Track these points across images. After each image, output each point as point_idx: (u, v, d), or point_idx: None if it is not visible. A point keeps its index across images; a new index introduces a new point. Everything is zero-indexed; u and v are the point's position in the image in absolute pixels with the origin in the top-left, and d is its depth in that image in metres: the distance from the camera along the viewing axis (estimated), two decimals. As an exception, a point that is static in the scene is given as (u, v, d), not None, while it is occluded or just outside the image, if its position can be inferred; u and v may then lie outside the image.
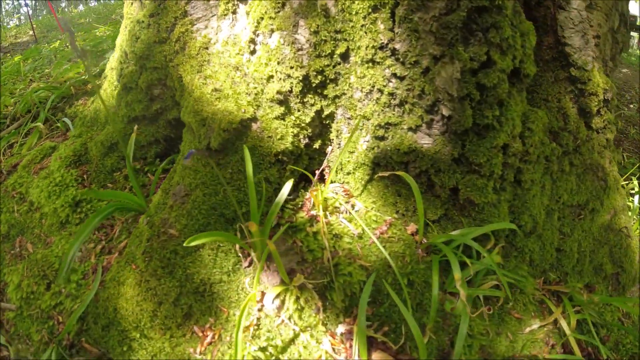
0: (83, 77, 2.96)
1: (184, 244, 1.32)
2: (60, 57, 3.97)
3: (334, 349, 1.48)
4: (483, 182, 1.59)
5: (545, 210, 1.85)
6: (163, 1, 1.82)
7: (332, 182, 1.80)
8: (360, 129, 1.70)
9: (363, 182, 1.74)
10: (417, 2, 1.46)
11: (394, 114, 1.62)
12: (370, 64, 1.59)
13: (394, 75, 1.57)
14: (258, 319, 1.49)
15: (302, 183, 1.78)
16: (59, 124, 2.53)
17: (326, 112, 1.72)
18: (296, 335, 1.48)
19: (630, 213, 2.65)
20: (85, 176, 1.94)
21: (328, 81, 1.69)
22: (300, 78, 1.63)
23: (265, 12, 1.65)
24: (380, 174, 1.67)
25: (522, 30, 1.53)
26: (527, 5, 1.78)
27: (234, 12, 1.74)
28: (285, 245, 1.58)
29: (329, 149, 1.79)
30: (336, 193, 1.75)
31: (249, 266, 1.56)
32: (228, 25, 1.75)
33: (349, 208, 1.67)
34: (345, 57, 1.66)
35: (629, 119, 4.50)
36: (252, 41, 1.69)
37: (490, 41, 1.47)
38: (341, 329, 1.49)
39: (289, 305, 1.49)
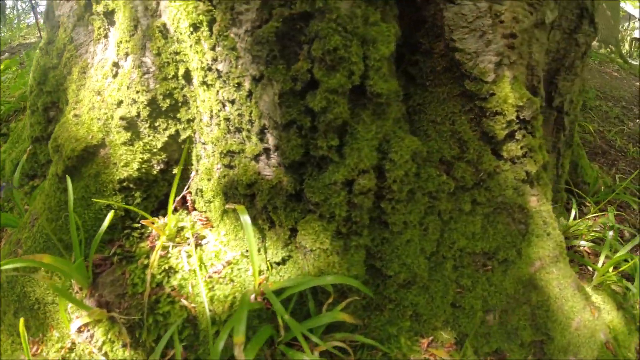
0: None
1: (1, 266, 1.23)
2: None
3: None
4: (321, 225, 1.24)
5: (433, 258, 1.41)
6: (57, 29, 1.76)
7: (195, 209, 1.57)
8: (213, 155, 1.45)
9: (220, 212, 1.49)
10: (231, 15, 1.17)
11: (235, 141, 1.35)
12: (205, 87, 1.33)
13: (227, 99, 1.29)
14: (73, 343, 1.35)
15: (163, 210, 1.59)
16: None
17: (183, 136, 1.50)
18: None
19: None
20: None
21: (180, 104, 1.47)
22: (146, 102, 1.44)
23: (123, 35, 1.49)
24: (227, 206, 1.40)
25: (364, 37, 1.15)
26: (413, 3, 1.35)
27: (106, 36, 1.60)
28: (113, 276, 1.40)
29: (193, 174, 1.56)
30: (193, 222, 1.52)
31: (79, 291, 1.42)
32: (101, 50, 1.62)
33: (191, 242, 1.43)
34: (188, 79, 1.42)
35: (631, 135, 3.42)
36: (116, 65, 1.54)
37: (312, 56, 1.12)
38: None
39: (98, 337, 1.32)
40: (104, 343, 1.36)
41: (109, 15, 1.53)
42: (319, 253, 1.26)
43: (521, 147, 1.37)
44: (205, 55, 1.27)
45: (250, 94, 1.23)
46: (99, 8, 1.53)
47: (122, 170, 1.46)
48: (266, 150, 1.29)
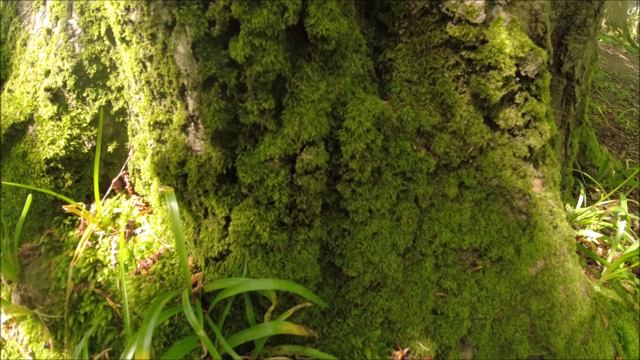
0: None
1: None
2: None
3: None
4: (257, 214, 0.84)
5: (409, 255, 0.98)
6: (6, 2, 1.41)
7: (134, 193, 1.20)
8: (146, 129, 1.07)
9: (158, 196, 1.11)
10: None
11: (161, 110, 0.96)
12: (125, 45, 0.94)
13: (145, 56, 0.90)
14: (3, 339, 1.02)
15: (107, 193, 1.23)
16: None
17: (116, 107, 1.13)
18: None
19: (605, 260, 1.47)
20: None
21: (108, 70, 1.09)
22: (72, 70, 1.07)
23: (51, -6, 1.12)
24: (159, 189, 1.02)
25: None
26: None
27: (44, 3, 1.23)
28: (39, 269, 1.06)
29: (130, 152, 1.19)
30: (131, 208, 1.15)
31: (8, 284, 1.09)
32: (40, 18, 1.26)
33: (121, 232, 1.06)
34: (111, 38, 1.03)
35: None
36: (49, 32, 1.17)
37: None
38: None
39: (24, 335, 0.99)
40: (29, 341, 1.03)
41: (39, -27, 1.16)
42: (256, 249, 0.86)
43: (523, 115, 0.91)
44: (120, 6, 0.88)
45: (165, 46, 0.83)
46: (27, -35, 1.16)
47: (48, 148, 1.11)
48: (193, 119, 0.89)
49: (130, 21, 0.87)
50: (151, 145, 1.05)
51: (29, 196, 1.03)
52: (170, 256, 1.03)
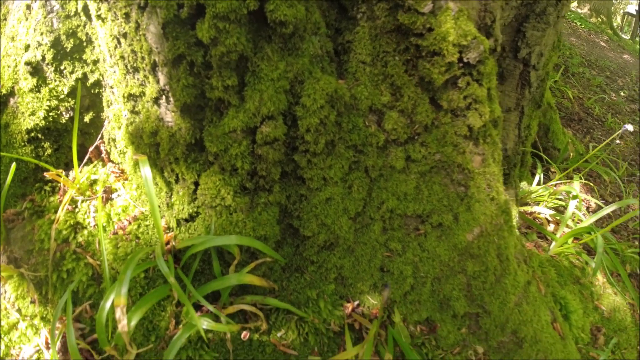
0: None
1: None
2: None
3: (47, 344, 1.09)
4: (222, 179, 0.97)
5: (360, 219, 1.14)
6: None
7: (110, 160, 1.32)
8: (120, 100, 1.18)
9: (132, 164, 1.23)
10: None
11: (135, 83, 1.07)
12: (101, 21, 1.04)
13: (119, 33, 1.00)
14: None
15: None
16: None
17: (92, 79, 1.23)
18: (17, 321, 1.12)
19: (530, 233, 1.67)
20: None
21: (84, 44, 1.18)
22: (50, 44, 1.16)
23: (25, -35, 1.18)
24: (133, 157, 1.14)
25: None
26: None
27: (18, -28, 1.29)
28: (23, 232, 1.19)
29: (105, 122, 1.30)
30: (108, 174, 1.27)
31: (-9, 246, 1.21)
32: (15, -13, 1.32)
33: (99, 197, 1.19)
34: (88, 14, 1.12)
35: (612, 106, 2.97)
36: (28, 7, 1.24)
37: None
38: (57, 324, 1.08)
39: (10, 293, 1.13)
40: (16, 298, 1.17)
41: (12, -57, 1.22)
42: (221, 210, 1.00)
43: (464, 97, 1.06)
44: (90, -21, 0.97)
45: (138, 25, 0.94)
46: None
47: (29, 119, 1.21)
48: (164, 92, 1.01)
49: (106, 0, 0.97)
50: (125, 115, 1.16)
51: (13, 164, 1.14)
52: (144, 218, 1.17)
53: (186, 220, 1.12)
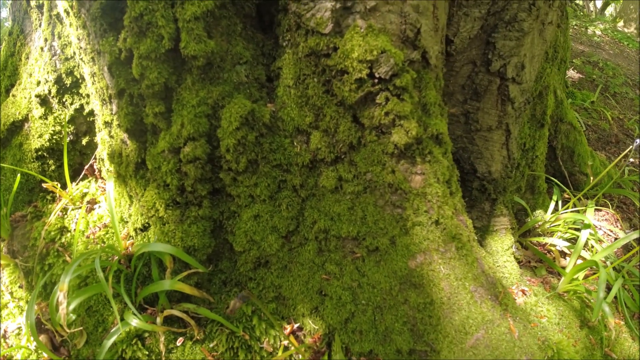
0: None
1: None
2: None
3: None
4: (157, 194, 1.20)
5: (294, 238, 1.26)
6: (14, 22, 1.99)
7: (101, 177, 1.65)
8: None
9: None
10: (72, -11, 1.19)
11: (107, 112, 1.38)
12: (84, 63, 1.38)
13: (92, 73, 1.33)
14: None
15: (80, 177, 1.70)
16: None
17: (87, 109, 1.59)
18: (8, 302, 1.48)
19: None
20: None
21: (80, 80, 1.55)
22: (54, 81, 1.55)
23: (45, 24, 1.62)
24: (104, 174, 1.45)
25: None
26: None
27: (40, 26, 1.76)
28: (24, 230, 1.56)
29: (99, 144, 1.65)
30: (97, 189, 1.61)
31: (2, 241, 1.61)
32: (37, 37, 1.78)
33: (84, 205, 1.51)
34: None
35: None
36: (42, 49, 1.68)
37: (124, 25, 1.08)
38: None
39: (6, 278, 1.49)
40: (10, 283, 1.52)
41: (40, 8, 1.68)
42: (156, 221, 1.22)
43: (386, 113, 1.13)
44: (76, 35, 1.32)
45: (100, 66, 1.24)
46: (33, 2, 1.69)
47: (37, 140, 1.61)
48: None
49: (82, 47, 1.30)
50: (106, 139, 1.48)
51: (18, 176, 1.53)
52: (113, 226, 1.45)
53: (141, 230, 1.36)
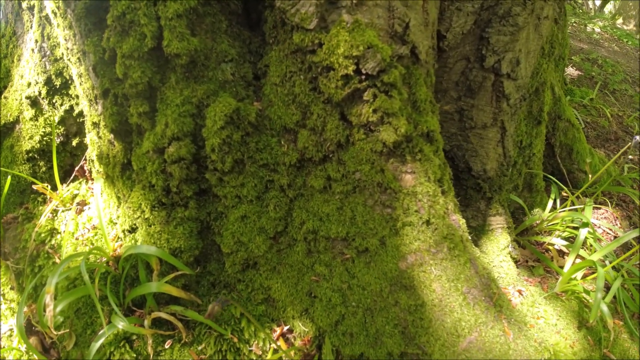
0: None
1: None
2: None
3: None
4: (143, 195, 1.18)
5: (283, 239, 1.23)
6: (7, 24, 1.97)
7: (92, 178, 1.63)
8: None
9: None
10: (56, -12, 1.17)
11: (95, 113, 1.35)
12: (71, 63, 1.36)
13: (79, 73, 1.30)
14: None
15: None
16: None
17: (77, 110, 1.57)
18: (0, 303, 1.47)
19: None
20: None
21: (69, 82, 1.53)
22: (44, 82, 1.53)
23: (35, 25, 1.60)
24: (94, 175, 1.43)
25: None
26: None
27: (32, 27, 1.74)
28: (15, 232, 1.54)
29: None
30: (87, 190, 1.59)
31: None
32: (29, 39, 1.76)
33: (73, 207, 1.49)
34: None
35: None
36: (32, 51, 1.67)
37: (108, 24, 1.06)
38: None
39: None
40: (2, 285, 1.51)
41: (31, 9, 1.66)
42: (142, 223, 1.20)
43: (374, 111, 1.10)
44: (64, 36, 1.30)
45: (86, 67, 1.22)
46: (24, 4, 1.67)
47: (28, 142, 1.59)
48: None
49: (69, 48, 1.28)
50: (95, 140, 1.46)
51: (9, 177, 1.52)
52: (102, 228, 1.43)
53: (129, 232, 1.34)
